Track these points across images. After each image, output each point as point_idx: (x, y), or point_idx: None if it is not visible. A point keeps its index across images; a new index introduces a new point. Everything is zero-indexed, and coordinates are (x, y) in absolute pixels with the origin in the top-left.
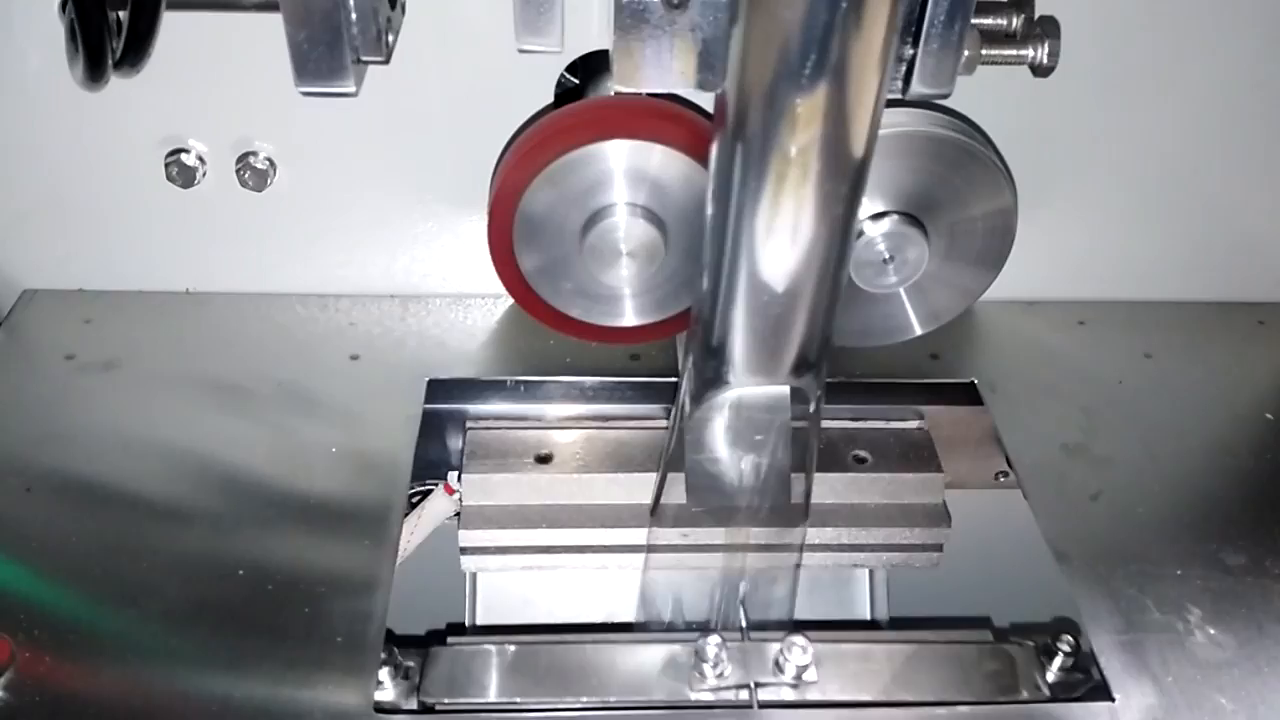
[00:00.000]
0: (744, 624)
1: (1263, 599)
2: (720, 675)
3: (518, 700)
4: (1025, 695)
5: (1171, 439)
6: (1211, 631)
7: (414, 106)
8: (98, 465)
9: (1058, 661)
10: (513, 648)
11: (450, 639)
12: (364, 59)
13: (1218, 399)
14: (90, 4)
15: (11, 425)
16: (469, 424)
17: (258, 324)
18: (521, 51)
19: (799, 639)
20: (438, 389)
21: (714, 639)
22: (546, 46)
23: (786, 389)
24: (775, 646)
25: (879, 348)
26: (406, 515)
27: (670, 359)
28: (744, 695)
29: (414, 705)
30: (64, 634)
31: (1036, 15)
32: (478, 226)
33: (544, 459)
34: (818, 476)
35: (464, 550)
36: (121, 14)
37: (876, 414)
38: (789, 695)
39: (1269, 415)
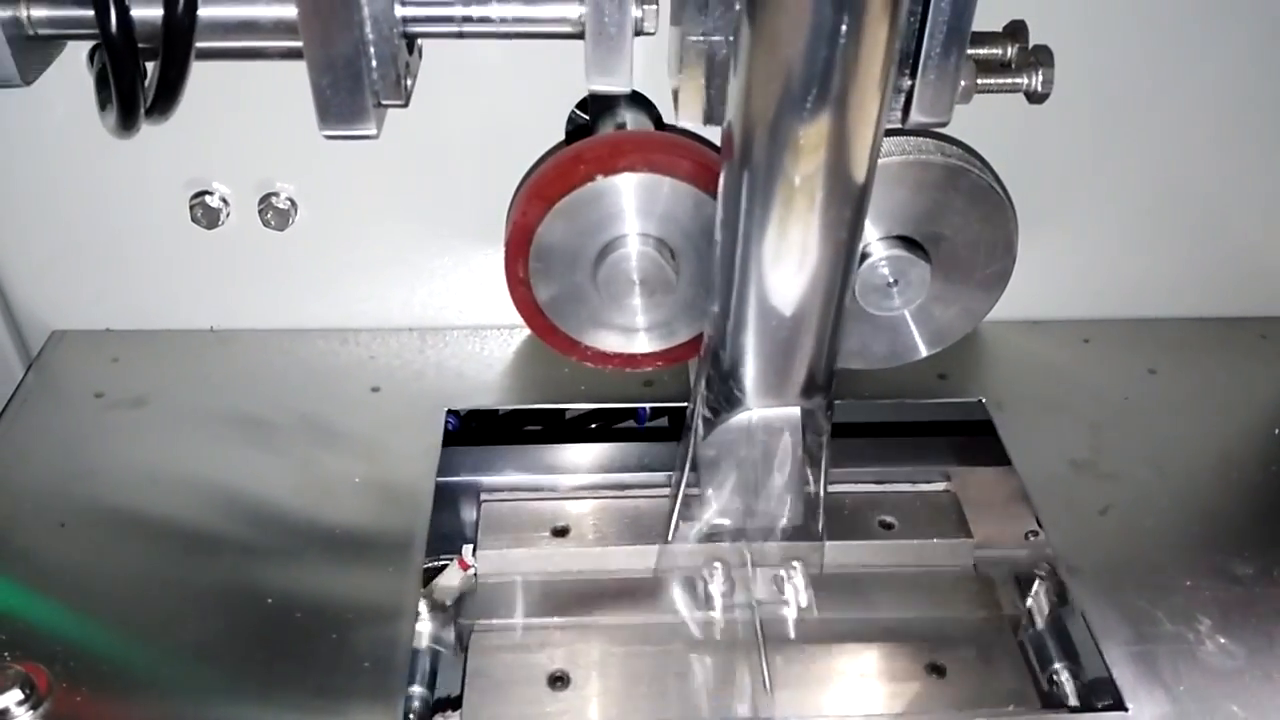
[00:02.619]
0: (749, 559)
1: (1272, 608)
2: (726, 597)
3: (545, 621)
4: (1039, 706)
5: (1178, 453)
6: (1222, 641)
7: (429, 146)
8: (128, 500)
9: (1035, 586)
10: (538, 579)
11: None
12: (384, 103)
13: (1223, 413)
14: (124, 55)
15: (45, 462)
16: (483, 496)
17: (281, 359)
18: (591, 92)
19: (797, 564)
20: (451, 462)
21: (719, 565)
22: (616, 86)
23: (797, 410)
24: (777, 570)
25: (888, 369)
26: (423, 591)
27: (682, 385)
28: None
29: (451, 634)
30: (98, 664)
31: (1030, 44)
32: (493, 260)
33: (560, 532)
34: (842, 544)
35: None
36: (148, 64)
37: (902, 476)
38: (789, 615)
39: (1278, 431)
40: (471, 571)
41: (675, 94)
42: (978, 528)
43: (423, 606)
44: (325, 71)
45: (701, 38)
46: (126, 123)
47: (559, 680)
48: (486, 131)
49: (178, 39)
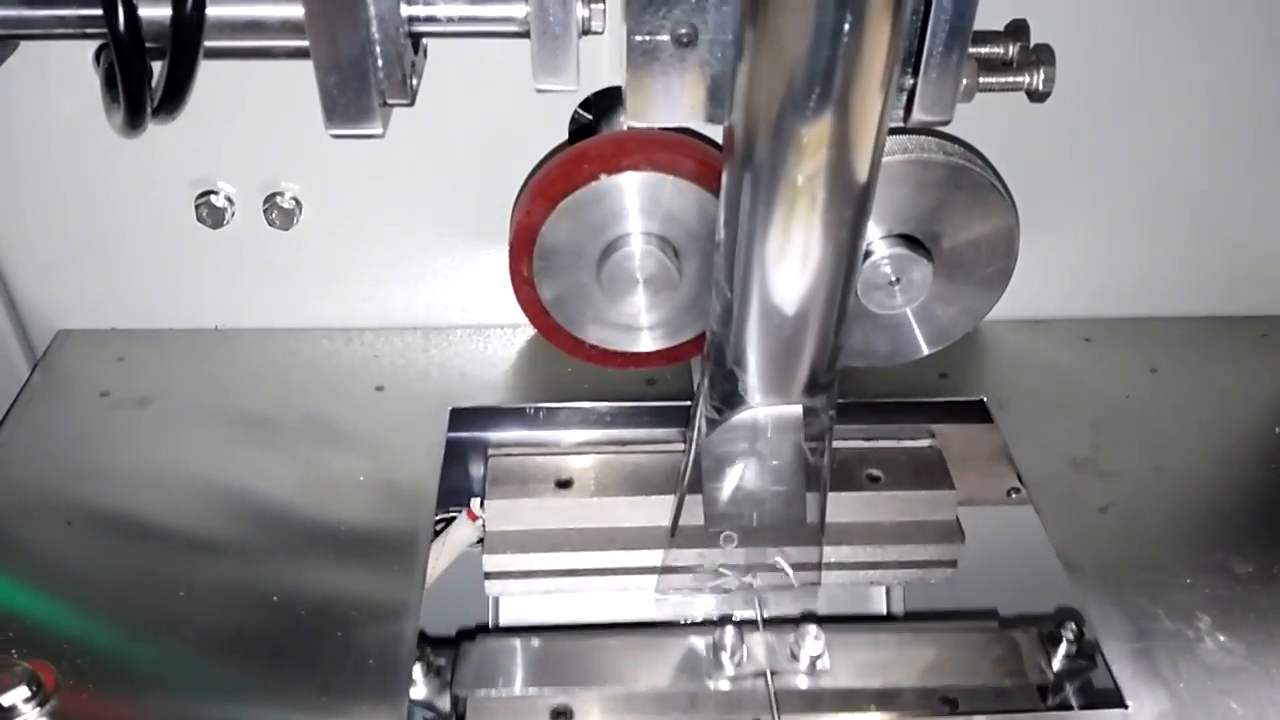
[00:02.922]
0: (760, 617)
1: (1271, 606)
2: (738, 664)
3: (544, 691)
4: (1042, 704)
5: (1178, 452)
6: (1221, 638)
7: (433, 146)
8: (134, 498)
9: (1062, 649)
10: (536, 642)
11: (478, 636)
12: (390, 102)
13: (1222, 411)
14: (132, 55)
15: (51, 461)
16: (490, 451)
17: (285, 358)
18: (539, 91)
19: (812, 628)
20: (460, 417)
21: (731, 629)
22: (562, 86)
23: (800, 408)
24: (790, 636)
25: (889, 368)
26: (431, 542)
27: (684, 383)
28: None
29: (446, 701)
30: (104, 662)
31: (1032, 43)
32: (495, 260)
33: (564, 484)
34: (832, 496)
35: (488, 575)
36: (154, 63)
37: (888, 433)
38: (804, 683)
39: (1278, 429)
40: (480, 522)
41: (623, 92)
42: (960, 482)
43: (417, 672)
44: (331, 71)
45: (647, 37)
46: (134, 122)
47: None
48: (489, 131)
49: (186, 38)
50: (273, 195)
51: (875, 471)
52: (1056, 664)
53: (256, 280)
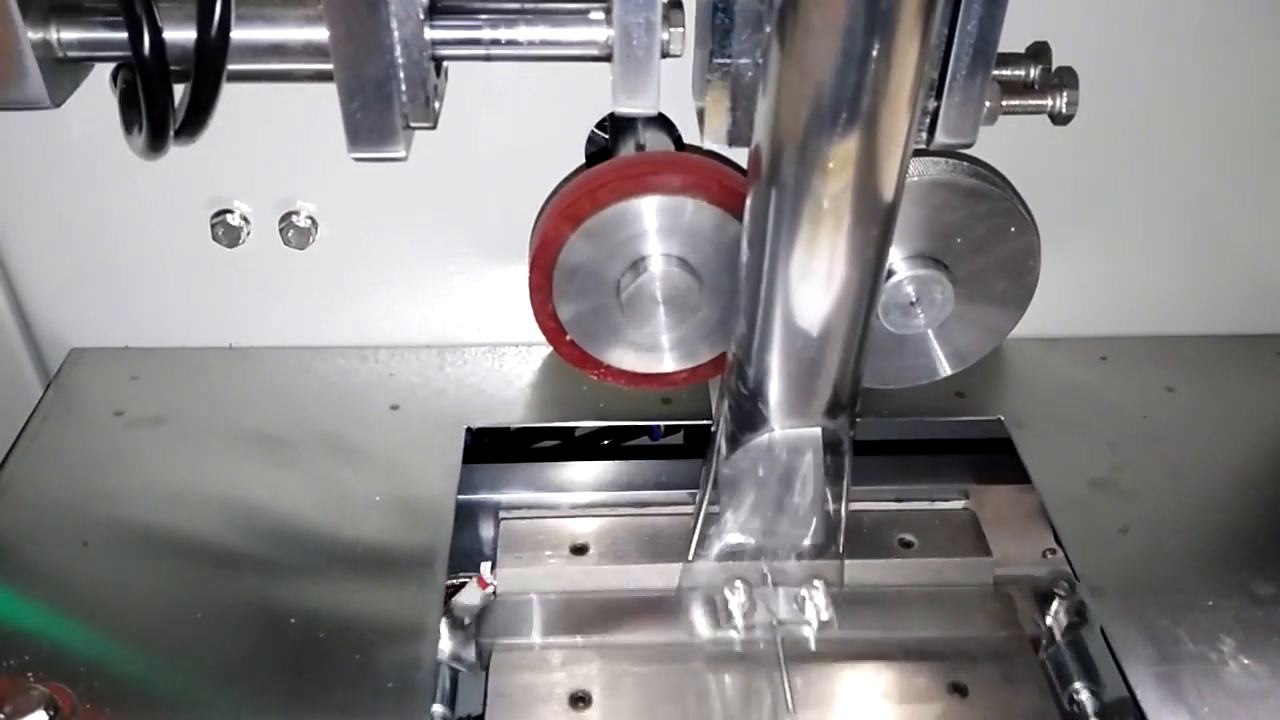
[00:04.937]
0: (768, 576)
1: None
2: (747, 615)
3: (563, 639)
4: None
5: (1197, 471)
6: (1245, 661)
7: (449, 166)
8: (151, 518)
9: (1055, 605)
10: (555, 598)
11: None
12: (413, 125)
13: (1240, 431)
14: (156, 78)
15: (66, 480)
16: (502, 514)
17: (300, 377)
18: (619, 114)
19: (819, 582)
20: (469, 480)
21: (741, 584)
22: (644, 109)
23: (819, 430)
24: (798, 590)
25: (909, 388)
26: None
27: (700, 402)
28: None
29: (472, 652)
30: (121, 684)
31: (1054, 66)
32: (511, 278)
33: (579, 550)
34: (863, 562)
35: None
36: (177, 86)
37: (921, 494)
38: (809, 633)
39: None
40: (491, 590)
41: (700, 115)
42: (996, 545)
43: (443, 625)
44: (355, 94)
45: (727, 60)
46: (156, 145)
47: (580, 700)
48: (505, 151)
49: (210, 62)
50: (289, 214)
51: (908, 536)
52: (1049, 620)
53: (271, 299)
